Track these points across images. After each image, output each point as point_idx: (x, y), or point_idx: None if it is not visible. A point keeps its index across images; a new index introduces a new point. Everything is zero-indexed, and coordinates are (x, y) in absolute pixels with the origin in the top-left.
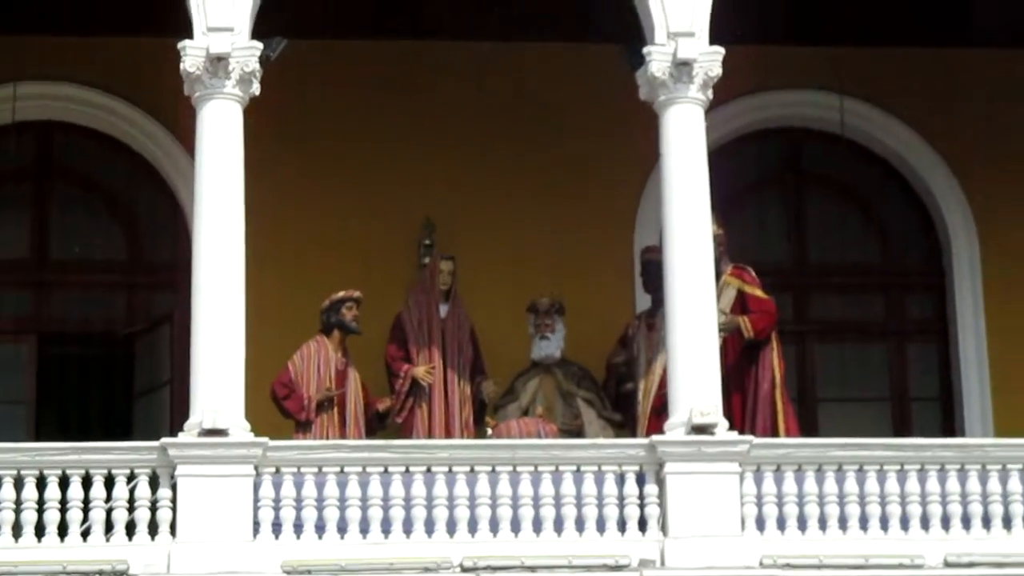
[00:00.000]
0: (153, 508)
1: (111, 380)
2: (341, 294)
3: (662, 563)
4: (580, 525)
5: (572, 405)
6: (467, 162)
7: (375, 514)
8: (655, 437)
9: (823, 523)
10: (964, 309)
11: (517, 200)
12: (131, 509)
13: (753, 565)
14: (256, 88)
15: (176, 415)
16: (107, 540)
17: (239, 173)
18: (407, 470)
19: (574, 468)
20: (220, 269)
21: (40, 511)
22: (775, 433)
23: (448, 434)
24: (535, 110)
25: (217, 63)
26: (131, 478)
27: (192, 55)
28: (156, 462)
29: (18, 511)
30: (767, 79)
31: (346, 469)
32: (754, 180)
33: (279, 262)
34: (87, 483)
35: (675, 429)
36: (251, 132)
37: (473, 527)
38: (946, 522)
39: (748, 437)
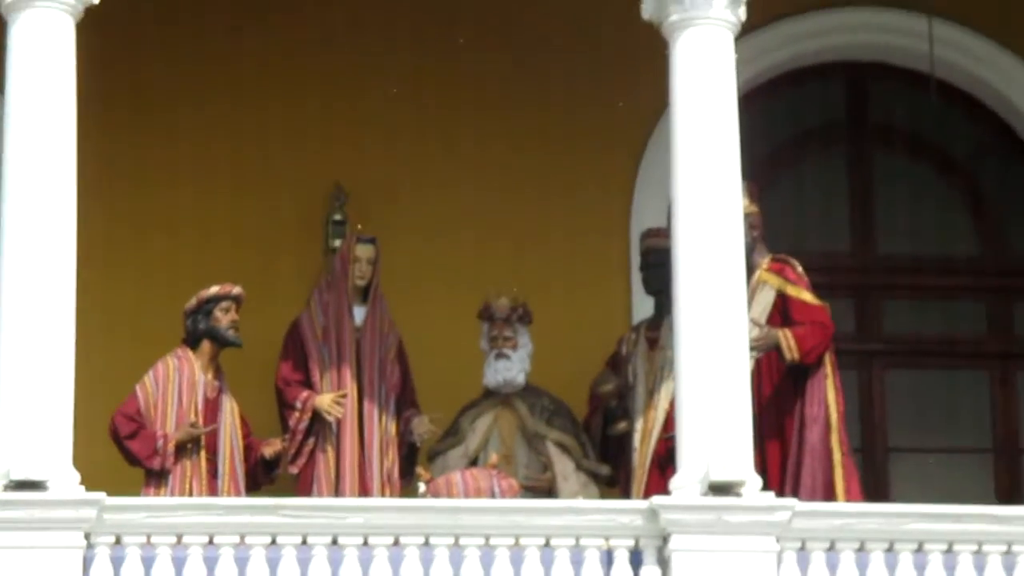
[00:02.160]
0: None
1: None
2: (214, 290)
3: None
4: None
5: (540, 452)
6: (396, 106)
7: None
8: (657, 499)
9: None
10: None
11: (466, 162)
12: None
13: None
14: None
15: None
16: None
17: (70, 118)
18: (304, 541)
19: (541, 541)
20: (38, 251)
21: None
22: (829, 496)
23: (364, 490)
24: (492, 35)
25: None
26: None
27: None
28: None
29: None
30: None
31: (217, 539)
32: (802, 137)
33: (124, 245)
34: None
35: (685, 488)
36: (83, 59)
37: None
38: None
39: (790, 501)
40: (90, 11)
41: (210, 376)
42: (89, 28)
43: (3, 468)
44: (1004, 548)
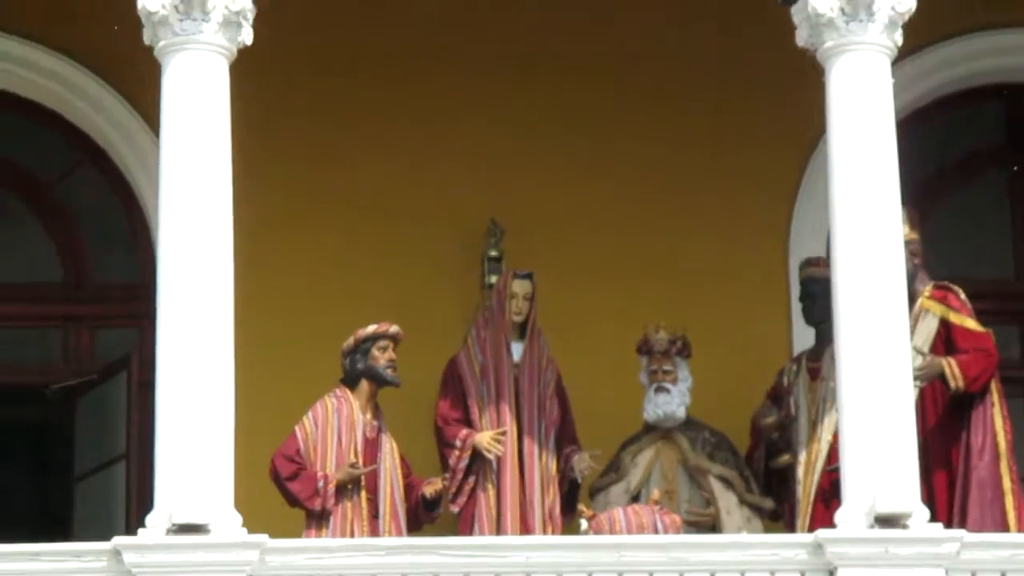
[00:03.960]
0: None
1: (41, 452)
2: (372, 328)
3: None
4: None
5: (703, 486)
6: (551, 138)
7: None
8: (822, 532)
9: None
10: None
11: (621, 194)
12: None
13: None
14: (248, 34)
15: (135, 503)
16: None
17: (226, 159)
18: None
19: None
20: (198, 295)
21: None
22: (1001, 527)
23: (525, 528)
24: (646, 64)
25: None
26: None
27: None
28: (105, 570)
29: None
30: (981, 15)
31: None
32: (962, 161)
33: (282, 283)
34: None
35: (851, 520)
36: (239, 101)
37: None
38: None
39: (958, 532)
40: (243, 52)
41: (369, 416)
42: (242, 67)
43: (166, 512)
44: None
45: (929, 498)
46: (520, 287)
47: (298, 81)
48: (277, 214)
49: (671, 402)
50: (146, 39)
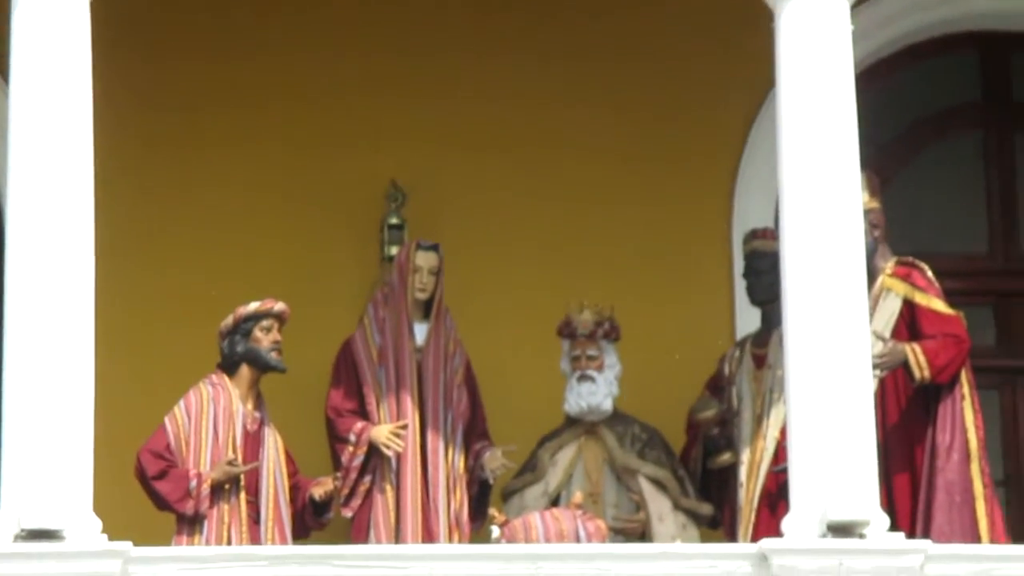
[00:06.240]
0: None
1: None
2: (253, 306)
3: None
4: None
5: (631, 488)
6: (459, 98)
7: None
8: (768, 542)
9: None
10: None
11: (539, 156)
12: None
13: None
14: None
15: None
16: None
17: (87, 110)
18: None
19: None
20: (51, 265)
21: None
22: (968, 537)
23: (428, 536)
24: (565, 10)
25: None
26: None
27: None
28: None
29: None
30: None
31: None
32: (931, 119)
33: (153, 256)
34: None
35: (800, 529)
36: (101, 43)
37: None
38: None
39: (923, 543)
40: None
41: (250, 406)
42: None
43: (13, 516)
44: None
45: (889, 504)
46: (424, 260)
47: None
48: (143, 175)
49: (596, 392)
50: None
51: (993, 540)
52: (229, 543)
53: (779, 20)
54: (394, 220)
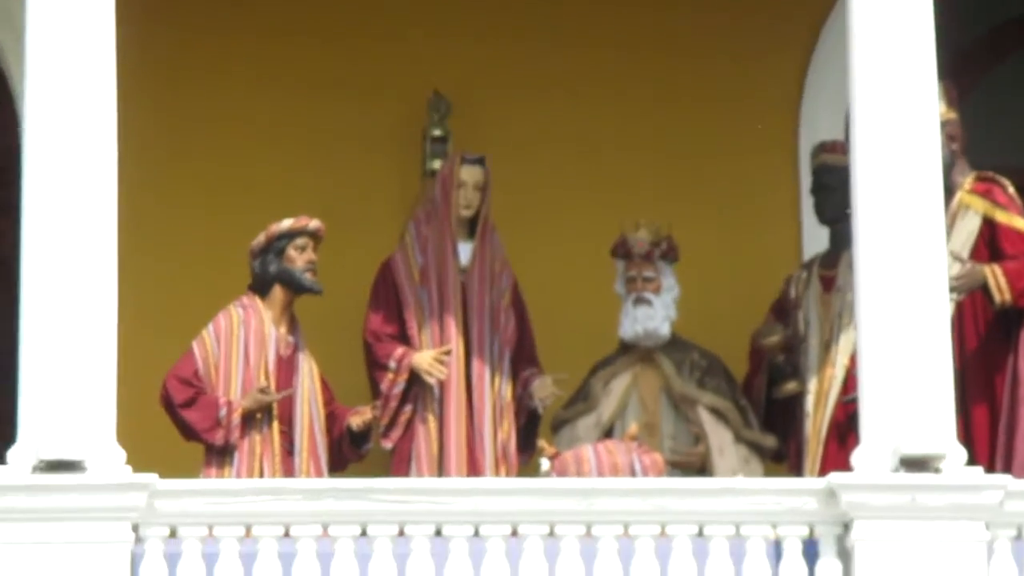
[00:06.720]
0: None
1: None
2: (287, 224)
3: None
4: None
5: (690, 419)
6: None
7: None
8: (836, 477)
9: None
10: None
11: (601, 67)
12: None
13: None
14: None
15: None
16: None
17: (110, 45)
18: (401, 532)
19: (693, 530)
20: (71, 177)
21: None
22: None
23: (473, 469)
24: None
25: None
26: None
27: None
28: None
29: None
30: None
31: (294, 530)
32: (1015, 23)
33: (184, 166)
34: None
35: (871, 463)
36: None
37: None
38: None
39: (1002, 478)
40: None
41: (283, 330)
42: None
43: (32, 445)
44: None
45: (967, 437)
46: (469, 174)
47: None
48: (168, 82)
49: (653, 316)
50: None
51: None
52: (261, 475)
53: None
54: (437, 132)
